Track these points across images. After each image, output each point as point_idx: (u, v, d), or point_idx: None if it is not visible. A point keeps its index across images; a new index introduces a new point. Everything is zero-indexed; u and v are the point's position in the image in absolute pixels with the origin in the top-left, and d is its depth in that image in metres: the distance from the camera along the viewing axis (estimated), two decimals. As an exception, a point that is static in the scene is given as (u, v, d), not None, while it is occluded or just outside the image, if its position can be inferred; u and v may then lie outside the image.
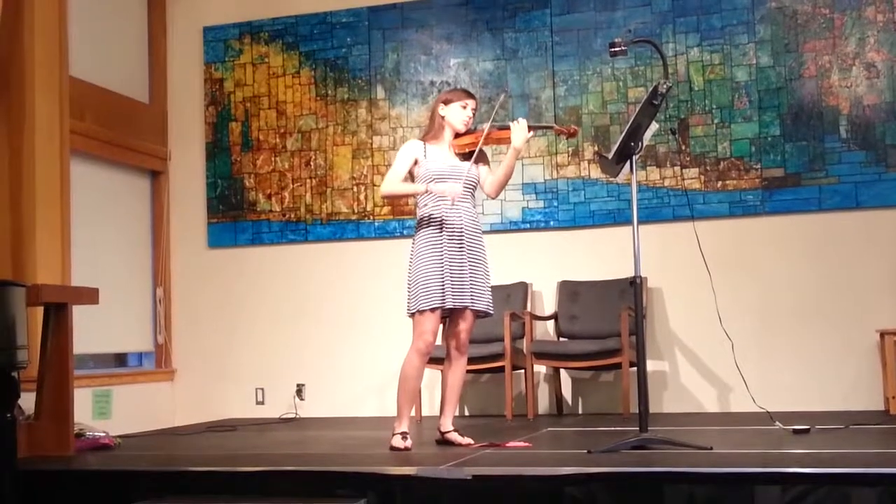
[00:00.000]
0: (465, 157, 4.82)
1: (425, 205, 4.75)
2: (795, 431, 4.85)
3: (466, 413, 6.79)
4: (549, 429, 5.59)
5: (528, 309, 6.58)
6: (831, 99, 6.38)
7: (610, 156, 4.59)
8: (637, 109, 4.54)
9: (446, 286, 4.63)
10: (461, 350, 4.80)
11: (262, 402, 7.19)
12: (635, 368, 5.04)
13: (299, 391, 7.11)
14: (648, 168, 6.61)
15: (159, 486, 4.06)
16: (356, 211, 7.16)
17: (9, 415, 4.13)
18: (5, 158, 5.79)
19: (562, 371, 6.58)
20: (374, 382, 6.89)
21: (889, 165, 6.25)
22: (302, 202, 7.27)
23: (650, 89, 4.52)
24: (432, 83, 7.06)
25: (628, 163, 4.56)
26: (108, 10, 7.13)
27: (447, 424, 4.81)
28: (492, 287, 4.86)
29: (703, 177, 6.55)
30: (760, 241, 6.46)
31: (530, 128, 4.79)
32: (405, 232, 6.78)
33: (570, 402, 6.67)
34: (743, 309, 6.26)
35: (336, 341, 7.08)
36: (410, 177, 4.80)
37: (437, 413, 5.58)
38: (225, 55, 7.51)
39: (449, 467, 3.90)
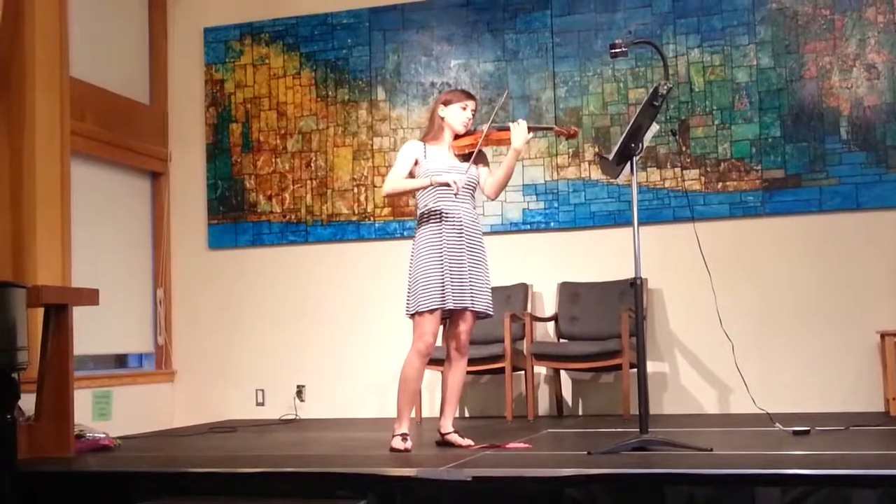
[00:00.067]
0: (465, 157, 4.82)
1: (426, 205, 4.75)
2: (796, 433, 4.84)
3: (466, 414, 6.79)
4: (550, 430, 5.59)
5: (529, 310, 6.58)
6: (832, 100, 6.38)
7: (610, 157, 4.59)
8: (637, 111, 4.54)
9: (446, 287, 4.63)
10: (461, 351, 4.80)
11: (263, 404, 7.19)
12: (635, 370, 5.04)
13: (299, 392, 7.11)
14: (649, 169, 6.61)
15: (159, 487, 4.06)
16: (356, 212, 7.16)
17: (9, 416, 4.13)
18: (6, 159, 5.79)
19: (562, 372, 6.58)
20: (374, 383, 6.89)
21: (889, 167, 6.25)
22: (302, 203, 7.27)
23: (651, 90, 4.52)
24: (433, 84, 7.06)
25: (629, 164, 4.56)
26: (109, 11, 7.13)
27: (447, 426, 4.81)
28: (492, 288, 4.86)
29: (703, 178, 6.55)
30: (761, 243, 6.46)
31: (530, 129, 4.79)
32: (405, 233, 6.78)
33: (570, 403, 6.67)
34: (743, 310, 6.26)
35: (336, 342, 7.08)
36: (411, 177, 4.80)
37: (438, 414, 5.58)
38: (225, 56, 7.51)
39: (449, 469, 3.90)
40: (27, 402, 4.80)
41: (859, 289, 6.27)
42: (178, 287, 7.44)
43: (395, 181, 4.79)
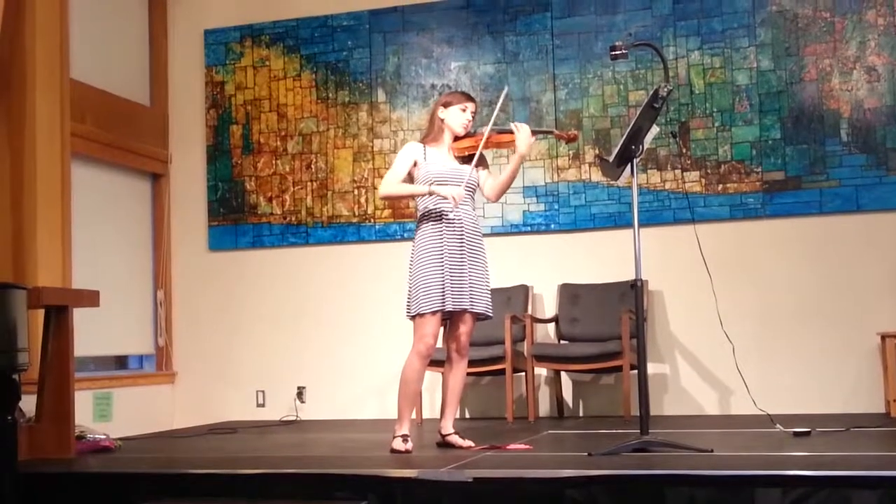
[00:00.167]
0: (465, 160, 4.82)
1: (425, 207, 4.75)
2: (796, 434, 4.84)
3: (467, 415, 6.79)
4: (550, 431, 5.59)
5: (529, 312, 6.58)
6: (832, 102, 6.38)
7: (611, 159, 4.59)
8: (638, 113, 4.54)
9: (446, 289, 4.63)
10: (462, 353, 4.80)
11: (263, 405, 7.19)
12: (636, 371, 5.04)
13: (300, 394, 7.11)
14: (649, 171, 6.61)
15: (160, 488, 4.06)
16: (357, 214, 7.16)
17: (9, 417, 4.13)
18: (6, 161, 5.79)
19: (562, 374, 6.58)
20: (374, 385, 6.89)
21: (890, 169, 6.25)
22: (303, 205, 7.27)
23: (651, 92, 4.52)
24: (433, 86, 7.06)
25: (629, 166, 4.56)
26: (109, 13, 7.14)
27: (448, 427, 4.81)
28: (493, 290, 4.87)
29: (703, 180, 6.56)
30: (761, 245, 6.46)
31: (532, 132, 4.80)
32: (406, 235, 6.78)
33: (570, 404, 6.67)
34: (744, 312, 6.26)
35: (337, 344, 7.08)
36: (410, 179, 4.80)
37: (438, 416, 5.58)
38: (226, 58, 7.52)
39: (450, 470, 3.90)
40: (28, 404, 4.80)
41: (859, 290, 6.27)
42: (178, 288, 7.44)
43: (391, 184, 4.79)
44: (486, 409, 6.78)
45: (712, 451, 4.24)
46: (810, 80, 6.43)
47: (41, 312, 4.98)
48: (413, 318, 4.72)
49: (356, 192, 7.17)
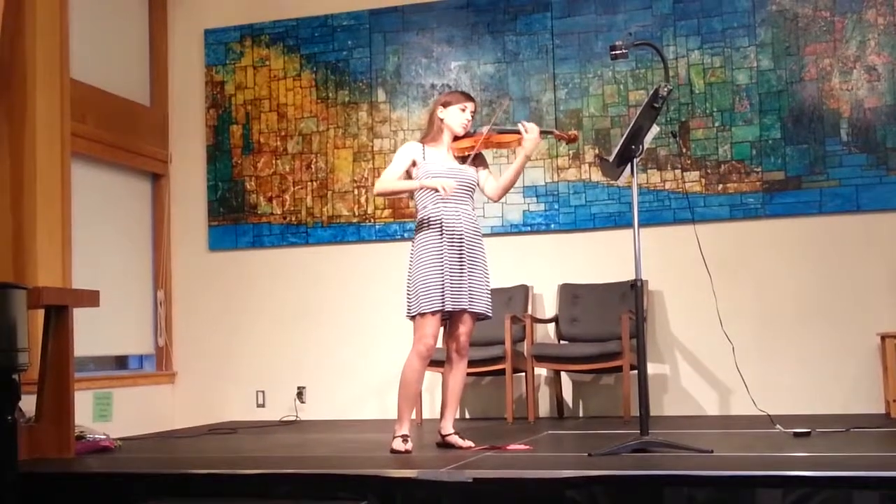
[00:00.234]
0: (465, 159, 4.83)
1: (424, 207, 4.75)
2: (796, 434, 4.84)
3: (467, 416, 6.79)
4: (550, 432, 5.59)
5: (529, 312, 6.58)
6: (832, 102, 6.38)
7: (611, 159, 4.59)
8: (638, 112, 4.54)
9: (446, 289, 4.63)
10: (461, 353, 4.80)
11: (263, 405, 7.19)
12: (636, 371, 5.04)
13: (300, 394, 7.11)
14: (649, 171, 6.61)
15: (159, 488, 4.06)
16: (357, 214, 7.16)
17: (9, 417, 4.12)
18: (6, 161, 5.79)
19: (562, 374, 6.58)
20: (374, 385, 6.89)
21: (890, 168, 6.25)
22: (303, 205, 7.27)
23: (651, 92, 4.52)
24: (433, 86, 7.06)
25: (629, 166, 4.56)
26: (109, 13, 7.14)
27: (448, 427, 4.81)
28: (493, 290, 4.87)
29: (703, 180, 6.55)
30: (761, 244, 6.46)
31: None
32: (406, 234, 6.78)
33: (570, 404, 6.67)
34: (743, 312, 6.26)
35: (337, 344, 7.08)
36: (408, 177, 4.80)
37: (438, 416, 5.57)
38: (226, 58, 7.51)
39: (450, 470, 3.90)
40: (28, 404, 4.79)
41: (859, 291, 6.27)
42: (178, 288, 7.44)
43: (387, 181, 4.80)
44: (486, 409, 6.78)
45: (712, 451, 4.24)
46: (810, 80, 6.43)
47: (41, 312, 4.98)
48: (413, 318, 4.72)
49: (356, 191, 7.17)
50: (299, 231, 7.27)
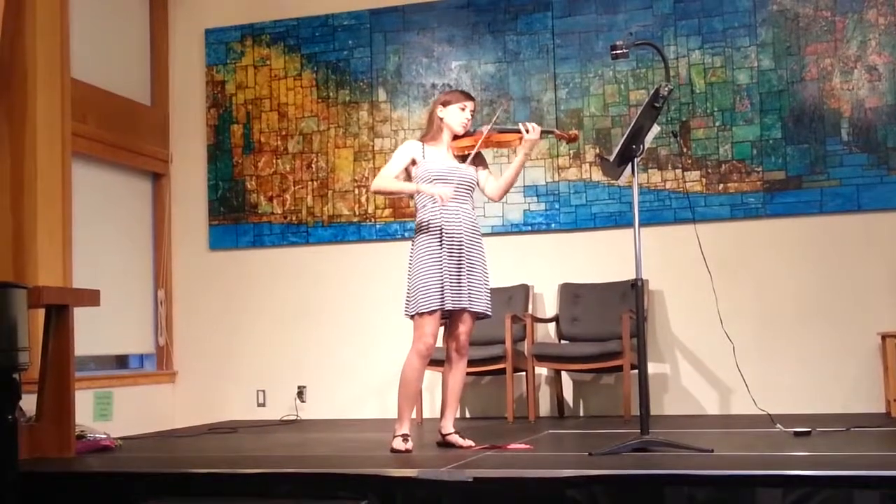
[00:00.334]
0: (464, 158, 4.83)
1: (424, 207, 4.75)
2: (796, 434, 4.84)
3: (467, 415, 6.79)
4: (550, 431, 5.59)
5: (530, 311, 6.58)
6: (833, 102, 6.38)
7: (611, 158, 4.59)
8: (638, 112, 4.54)
9: (445, 288, 4.63)
10: (461, 352, 4.80)
11: (263, 404, 7.19)
12: (636, 371, 5.04)
13: (300, 393, 7.11)
14: (650, 170, 6.61)
15: (160, 487, 4.06)
16: (357, 213, 7.16)
17: (10, 417, 4.12)
18: (7, 160, 5.79)
19: (563, 373, 6.57)
20: (374, 384, 6.89)
21: (890, 168, 6.25)
22: (303, 204, 7.27)
23: (651, 92, 4.52)
24: (434, 85, 7.06)
25: (630, 165, 4.56)
26: (110, 12, 7.14)
27: (448, 426, 4.81)
28: (493, 289, 4.87)
29: (704, 179, 6.55)
30: (762, 244, 6.46)
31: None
32: (406, 234, 6.78)
33: (570, 404, 6.67)
34: (744, 311, 6.26)
35: (337, 343, 7.08)
36: (407, 177, 4.81)
37: (438, 415, 5.58)
38: (227, 57, 7.51)
39: (450, 469, 3.90)
40: (28, 403, 4.79)
41: (860, 290, 6.27)
42: (178, 288, 7.44)
43: (384, 180, 4.80)
44: (486, 408, 6.78)
45: (712, 450, 4.24)
46: (811, 80, 6.42)
47: (41, 312, 4.98)
48: (412, 317, 4.72)
49: (357, 191, 7.17)
50: (300, 231, 7.27)
